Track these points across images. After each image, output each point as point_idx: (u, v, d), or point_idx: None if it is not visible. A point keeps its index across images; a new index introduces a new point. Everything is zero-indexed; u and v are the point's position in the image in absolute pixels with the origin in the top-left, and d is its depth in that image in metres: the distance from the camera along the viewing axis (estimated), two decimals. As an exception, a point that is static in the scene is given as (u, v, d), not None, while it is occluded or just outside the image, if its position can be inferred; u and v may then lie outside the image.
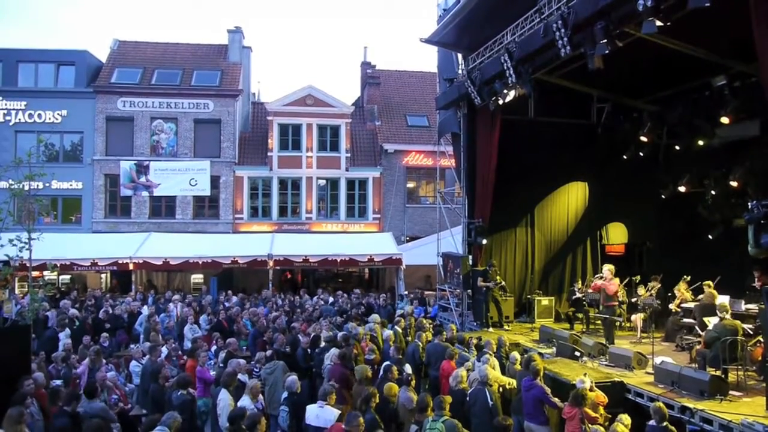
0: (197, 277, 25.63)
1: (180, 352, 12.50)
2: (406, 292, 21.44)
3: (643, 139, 16.24)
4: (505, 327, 15.59)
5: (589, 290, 15.15)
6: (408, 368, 10.07)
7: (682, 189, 16.40)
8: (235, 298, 19.53)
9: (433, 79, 24.48)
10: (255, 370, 10.40)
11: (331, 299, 20.07)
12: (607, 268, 13.79)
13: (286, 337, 12.07)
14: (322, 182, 28.43)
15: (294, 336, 12.55)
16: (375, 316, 14.49)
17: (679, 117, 15.50)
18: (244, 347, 13.51)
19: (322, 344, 11.67)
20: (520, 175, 17.14)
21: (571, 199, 18.29)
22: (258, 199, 27.80)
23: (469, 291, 16.73)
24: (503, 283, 16.30)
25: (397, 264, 22.52)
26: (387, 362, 9.89)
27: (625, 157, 17.33)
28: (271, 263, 21.80)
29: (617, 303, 13.55)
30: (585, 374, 8.97)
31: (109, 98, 26.89)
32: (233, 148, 27.50)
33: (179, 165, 26.89)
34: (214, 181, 27.18)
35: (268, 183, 27.78)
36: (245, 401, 7.91)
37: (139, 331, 15.33)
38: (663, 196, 17.26)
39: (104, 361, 11.09)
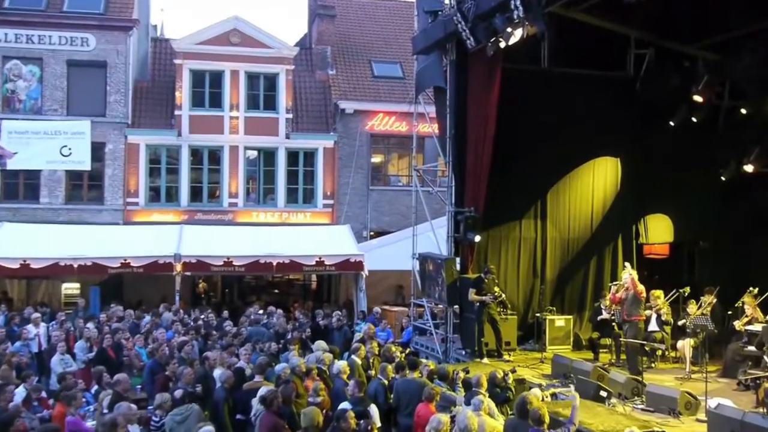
0: (71, 287, 25.09)
1: (44, 394, 12.20)
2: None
3: (697, 98, 16.41)
4: (506, 356, 15.65)
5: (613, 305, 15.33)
6: (375, 412, 9.98)
7: (748, 168, 16.65)
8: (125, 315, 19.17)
9: (410, 12, 24.32)
10: (154, 418, 10.19)
11: (264, 318, 19.86)
12: (628, 273, 13.98)
13: (195, 371, 11.86)
14: (253, 154, 28.13)
15: (206, 370, 12.34)
16: (321, 343, 14.34)
17: (746, 69, 15.66)
18: (138, 387, 13.29)
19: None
20: (528, 147, 17.15)
21: (597, 181, 18.44)
22: (160, 177, 27.48)
23: (457, 307, 16.72)
24: (503, 296, 16.34)
25: (356, 269, 22.43)
26: (342, 406, 9.79)
27: (672, 123, 17.53)
28: (178, 267, 21.50)
29: (643, 317, 13.89)
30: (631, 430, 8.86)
31: (-57, 28, 26.15)
32: (125, 103, 27.05)
33: (45, 126, 26.31)
34: (97, 151, 26.74)
35: (175, 154, 27.41)
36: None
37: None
38: (723, 178, 17.51)
39: None
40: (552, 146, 17.46)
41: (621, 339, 14.57)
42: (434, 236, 18.64)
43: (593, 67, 17.83)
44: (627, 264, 15.24)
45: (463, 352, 16.33)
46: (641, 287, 13.92)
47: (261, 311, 20.45)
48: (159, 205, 27.40)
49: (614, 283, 15.28)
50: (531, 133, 17.09)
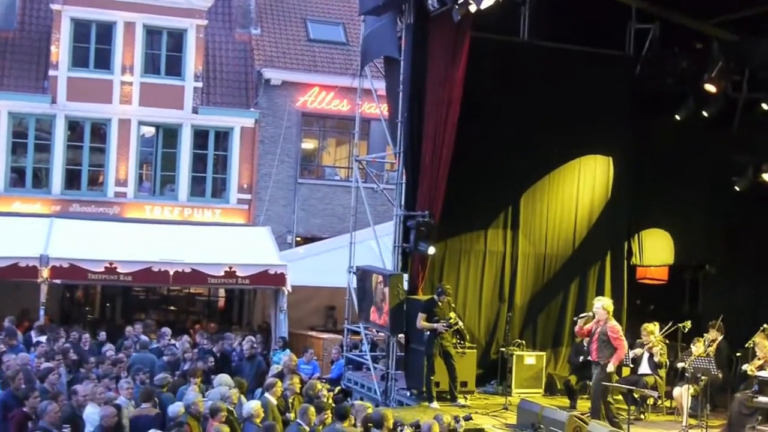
0: None
1: None
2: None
3: (710, 88, 16.67)
4: (461, 400, 15.67)
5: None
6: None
7: (768, 177, 17.07)
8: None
9: (358, -40, 24.37)
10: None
11: (153, 342, 19.67)
12: (602, 304, 14.18)
13: (62, 406, 11.68)
14: (149, 131, 27.96)
15: (73, 407, 12.16)
16: (224, 377, 14.32)
17: (770, 54, 16.05)
18: (-14, 424, 13.06)
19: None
20: (500, 138, 17.26)
21: (584, 184, 18.59)
22: (27, 155, 27.17)
23: (402, 336, 16.73)
24: (460, 324, 16.27)
25: (276, 283, 22.45)
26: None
27: (677, 117, 17.79)
28: (45, 273, 21.20)
29: (622, 360, 14.16)
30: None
31: None
32: (-16, 58, 26.64)
33: None
34: (-56, 119, 26.32)
35: (47, 126, 27.12)
36: None
37: None
38: (737, 188, 17.84)
39: None
40: (529, 139, 17.60)
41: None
42: (377, 245, 18.66)
43: (584, 42, 18.01)
44: (602, 298, 15.23)
45: (408, 393, 16.29)
46: (615, 325, 14.03)
47: (143, 334, 20.31)
48: (23, 192, 27.06)
49: (582, 315, 15.28)
50: (504, 120, 17.23)
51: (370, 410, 12.78)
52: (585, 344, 15.95)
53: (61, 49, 26.87)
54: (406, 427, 12.12)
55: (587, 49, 18.12)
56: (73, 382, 14.76)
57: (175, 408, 11.97)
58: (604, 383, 13.78)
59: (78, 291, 27.80)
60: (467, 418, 12.60)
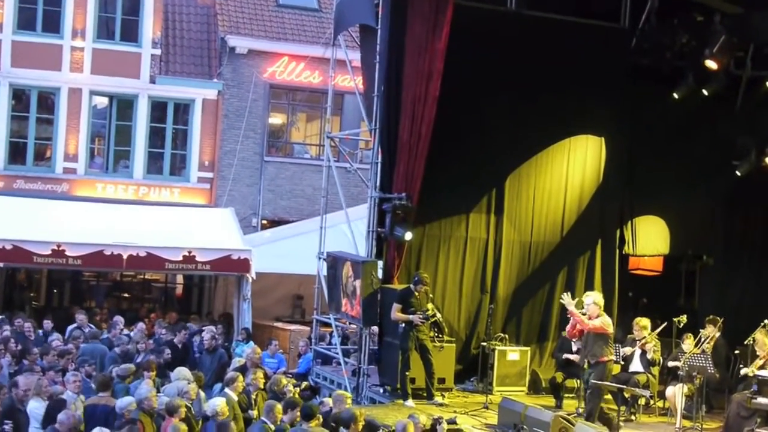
0: None
1: None
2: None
3: (711, 64, 16.72)
4: (438, 398, 15.69)
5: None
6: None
7: (772, 162, 17.13)
8: None
9: None
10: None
11: (104, 332, 19.62)
12: (593, 300, 14.17)
13: (2, 401, 11.60)
14: (102, 102, 27.76)
15: (13, 400, 12.09)
16: (183, 371, 14.29)
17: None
18: None
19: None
20: (484, 115, 17.25)
21: (573, 166, 18.62)
22: (-33, 127, 26.84)
23: (375, 328, 16.75)
24: (438, 316, 16.35)
25: (240, 270, 22.40)
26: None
27: (675, 95, 17.84)
28: (-13, 255, 21.05)
29: (613, 358, 14.16)
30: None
31: None
32: None
33: None
34: None
35: (-11, 95, 26.84)
36: None
37: None
38: (738, 173, 17.89)
39: None
40: (515, 116, 17.63)
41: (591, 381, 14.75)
42: (350, 230, 18.66)
43: (576, 12, 18.02)
44: (592, 293, 15.22)
45: (381, 390, 16.35)
46: (594, 324, 13.96)
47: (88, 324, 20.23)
48: (-37, 167, 26.82)
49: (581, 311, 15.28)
50: (488, 96, 17.22)
51: (349, 401, 12.79)
52: (573, 341, 15.95)
53: (5, 11, 26.56)
54: (375, 421, 12.12)
55: (579, 20, 18.10)
56: (16, 374, 14.65)
57: (124, 402, 11.87)
58: (595, 381, 13.79)
59: (21, 275, 27.51)
60: (451, 422, 12.50)
